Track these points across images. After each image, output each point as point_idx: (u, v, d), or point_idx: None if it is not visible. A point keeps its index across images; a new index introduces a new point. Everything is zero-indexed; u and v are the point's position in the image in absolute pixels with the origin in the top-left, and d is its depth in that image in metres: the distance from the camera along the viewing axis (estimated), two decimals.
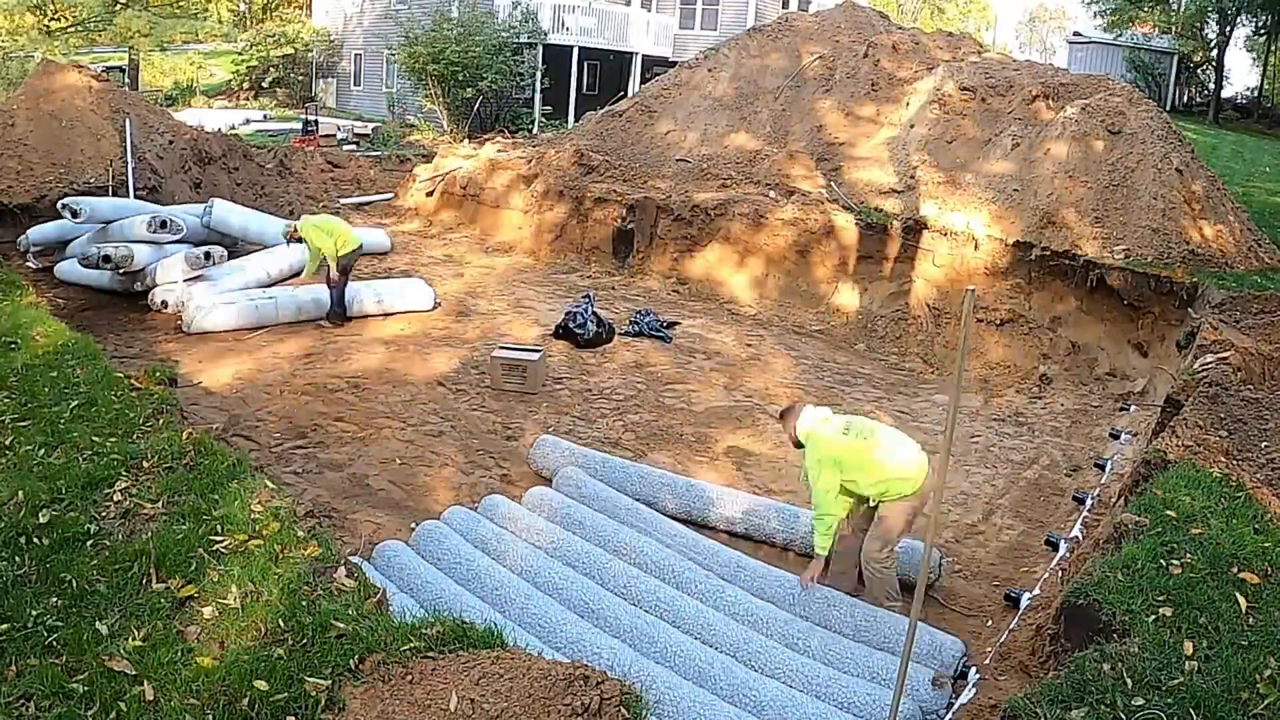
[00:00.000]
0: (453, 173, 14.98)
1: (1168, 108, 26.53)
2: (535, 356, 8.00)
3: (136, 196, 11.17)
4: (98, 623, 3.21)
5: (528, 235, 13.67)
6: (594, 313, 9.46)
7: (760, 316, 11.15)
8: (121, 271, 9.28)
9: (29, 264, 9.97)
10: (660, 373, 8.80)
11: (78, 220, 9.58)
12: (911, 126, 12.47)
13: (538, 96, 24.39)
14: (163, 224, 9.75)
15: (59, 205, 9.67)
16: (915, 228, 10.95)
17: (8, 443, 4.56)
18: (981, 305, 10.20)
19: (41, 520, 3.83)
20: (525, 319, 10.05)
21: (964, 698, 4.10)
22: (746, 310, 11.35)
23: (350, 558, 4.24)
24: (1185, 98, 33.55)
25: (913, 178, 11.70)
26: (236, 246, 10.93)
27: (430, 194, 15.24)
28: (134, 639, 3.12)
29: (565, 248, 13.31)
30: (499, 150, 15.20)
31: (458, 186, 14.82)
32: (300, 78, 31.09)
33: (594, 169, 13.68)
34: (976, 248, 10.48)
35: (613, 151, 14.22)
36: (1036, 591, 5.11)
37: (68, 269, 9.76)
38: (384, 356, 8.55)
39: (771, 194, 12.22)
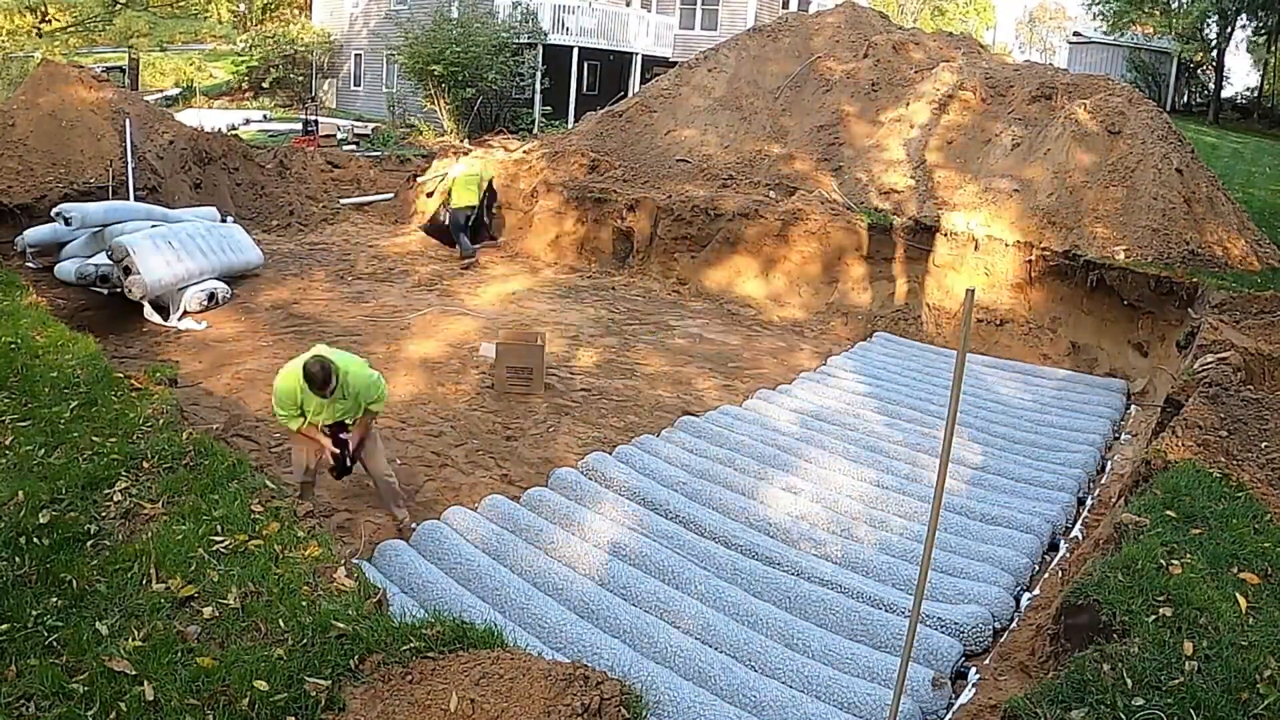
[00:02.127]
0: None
1: (1168, 108, 26.52)
2: (535, 353, 7.93)
3: (136, 197, 11.17)
4: (98, 623, 3.20)
5: (527, 234, 13.67)
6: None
7: (761, 317, 11.15)
8: (119, 290, 9.31)
9: (29, 264, 9.97)
10: (659, 374, 8.79)
11: (70, 228, 9.58)
12: (911, 127, 12.47)
13: (538, 97, 24.39)
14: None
15: (53, 213, 9.67)
16: (915, 228, 10.95)
17: (8, 443, 4.56)
18: (981, 305, 10.21)
19: (41, 520, 3.83)
20: (523, 318, 10.04)
21: (964, 698, 4.10)
22: (746, 310, 11.35)
23: (350, 558, 4.24)
24: (1185, 98, 33.52)
25: (913, 178, 11.71)
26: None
27: (430, 194, 15.24)
28: (134, 639, 3.12)
29: (565, 248, 13.32)
30: (500, 151, 15.19)
31: None
32: (301, 78, 31.09)
33: (594, 169, 13.70)
34: (976, 248, 10.48)
35: (613, 152, 14.22)
36: (1037, 592, 5.12)
37: (67, 269, 9.76)
38: (384, 357, 8.55)
39: (771, 194, 12.22)
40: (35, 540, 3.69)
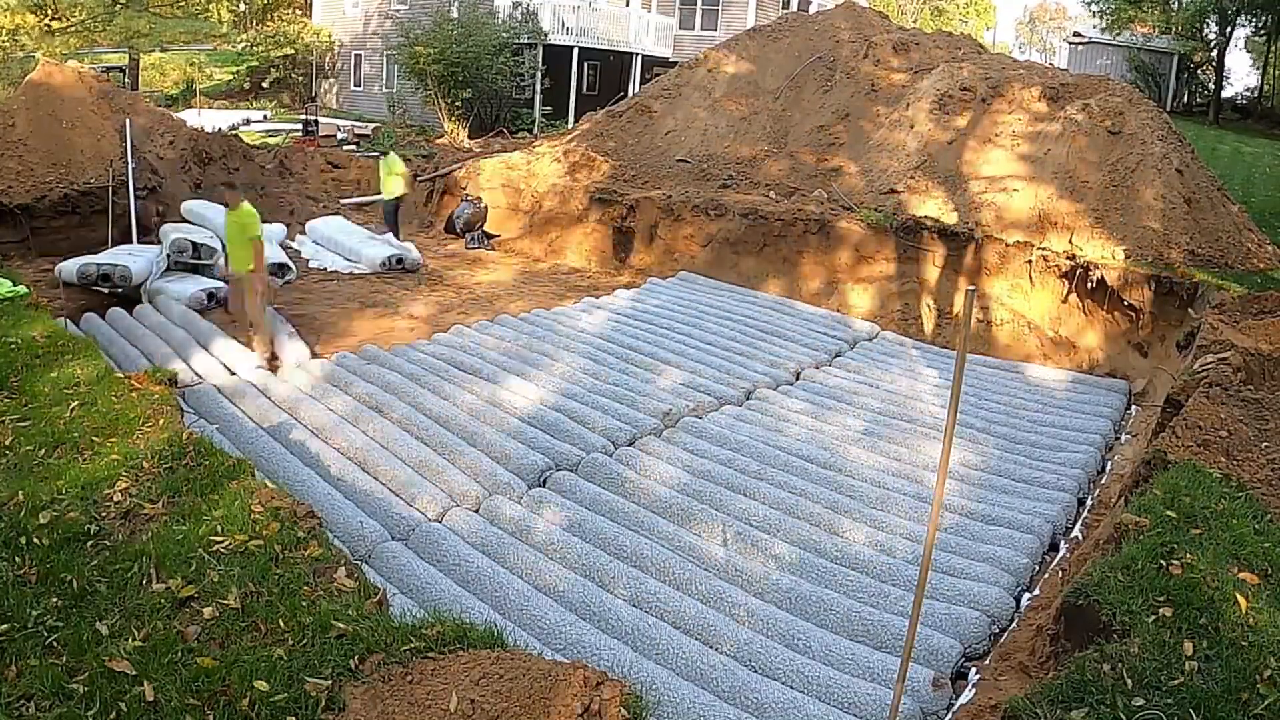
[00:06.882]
0: (453, 172, 15.00)
1: (1168, 108, 26.50)
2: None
3: (137, 197, 11.19)
4: (98, 623, 3.20)
5: (528, 234, 13.67)
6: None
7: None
8: (120, 290, 9.32)
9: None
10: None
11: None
12: (911, 127, 12.47)
13: (538, 97, 24.38)
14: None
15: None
16: (914, 228, 10.95)
17: (8, 443, 4.56)
18: (981, 305, 10.21)
19: (41, 520, 3.82)
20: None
21: (964, 698, 4.11)
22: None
23: (350, 558, 4.24)
24: (1185, 98, 33.48)
25: (912, 178, 11.71)
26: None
27: (431, 195, 15.25)
28: (134, 639, 3.12)
29: (566, 247, 13.32)
30: (502, 152, 15.20)
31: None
32: (301, 78, 31.07)
33: (595, 169, 13.69)
34: (976, 248, 10.48)
35: (613, 152, 14.22)
36: (1037, 592, 5.12)
37: (68, 269, 9.76)
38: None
39: (771, 194, 12.22)
40: (35, 540, 3.69)
